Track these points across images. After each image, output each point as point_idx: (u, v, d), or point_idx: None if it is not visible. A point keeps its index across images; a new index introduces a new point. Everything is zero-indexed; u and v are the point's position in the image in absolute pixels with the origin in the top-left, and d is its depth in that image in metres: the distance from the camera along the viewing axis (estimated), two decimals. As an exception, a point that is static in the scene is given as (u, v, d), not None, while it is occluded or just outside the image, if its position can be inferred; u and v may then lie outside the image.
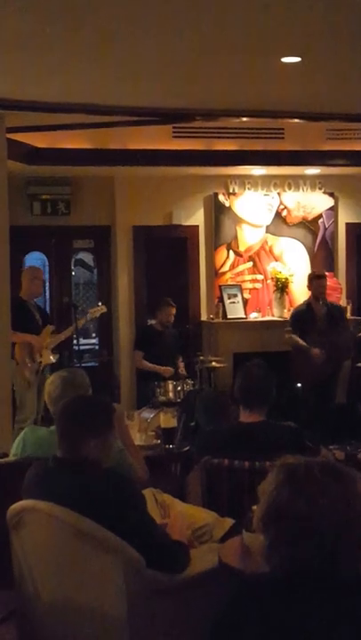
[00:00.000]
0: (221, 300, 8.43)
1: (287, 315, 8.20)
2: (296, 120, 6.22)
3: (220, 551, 3.07)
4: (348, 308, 8.42)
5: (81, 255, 9.23)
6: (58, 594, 2.87)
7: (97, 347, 9.02)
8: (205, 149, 7.73)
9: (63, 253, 8.71)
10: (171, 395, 6.74)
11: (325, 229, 8.83)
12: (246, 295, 8.58)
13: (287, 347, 7.64)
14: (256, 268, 8.67)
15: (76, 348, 7.37)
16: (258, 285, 8.66)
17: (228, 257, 8.60)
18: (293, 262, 8.72)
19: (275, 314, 8.57)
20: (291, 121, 6.35)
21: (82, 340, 8.01)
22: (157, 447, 4.81)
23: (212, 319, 8.42)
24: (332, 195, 8.80)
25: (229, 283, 8.55)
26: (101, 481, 2.89)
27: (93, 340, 9.20)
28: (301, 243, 8.78)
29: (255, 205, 8.63)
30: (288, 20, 4.09)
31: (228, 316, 8.37)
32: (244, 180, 8.56)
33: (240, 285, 8.55)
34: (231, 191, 8.57)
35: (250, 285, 8.63)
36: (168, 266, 8.61)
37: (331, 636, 1.69)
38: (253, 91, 5.48)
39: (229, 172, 8.38)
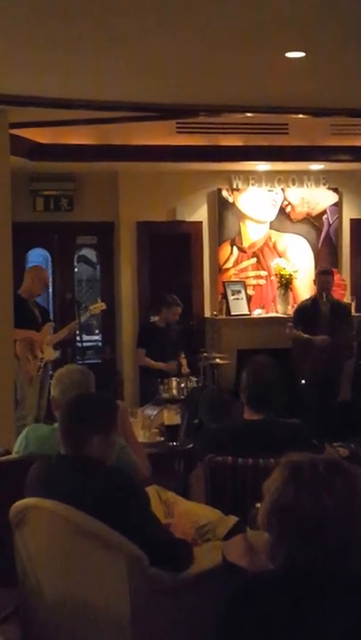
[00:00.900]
0: (225, 296, 8.40)
1: (291, 311, 8.17)
2: (300, 115, 6.19)
3: (223, 549, 3.05)
4: (353, 304, 8.38)
5: (84, 251, 9.20)
6: (61, 592, 2.86)
7: (100, 343, 9.00)
8: (209, 145, 7.69)
9: (66, 250, 8.68)
10: (174, 392, 6.70)
11: (330, 225, 8.79)
12: (250, 291, 8.55)
13: (288, 342, 7.60)
14: (260, 265, 8.64)
15: (79, 344, 7.36)
16: (262, 282, 8.63)
17: (231, 253, 8.57)
18: (297, 258, 8.68)
19: (279, 310, 8.53)
20: (295, 116, 6.31)
21: (85, 337, 8.01)
22: (161, 444, 4.81)
23: (216, 316, 8.40)
24: (336, 190, 8.76)
25: (233, 279, 8.53)
26: (105, 479, 2.88)
27: (97, 337, 9.17)
28: (305, 239, 8.74)
29: (259, 201, 8.60)
30: (292, 15, 4.06)
31: (232, 313, 8.34)
32: (248, 176, 8.53)
33: (244, 282, 8.52)
34: (235, 187, 8.53)
35: (254, 282, 8.60)
36: (171, 262, 8.57)
37: (333, 634, 1.68)
38: (257, 86, 5.46)
39: (233, 167, 8.35)
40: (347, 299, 8.51)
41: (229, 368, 7.71)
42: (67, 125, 6.35)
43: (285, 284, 8.52)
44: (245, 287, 8.50)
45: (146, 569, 2.79)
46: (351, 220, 8.86)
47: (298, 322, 7.52)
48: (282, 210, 8.66)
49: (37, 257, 8.75)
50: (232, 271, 8.57)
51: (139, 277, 8.50)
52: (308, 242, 8.74)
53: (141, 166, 7.98)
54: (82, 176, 8.29)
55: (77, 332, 7.03)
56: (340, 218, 8.82)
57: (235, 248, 8.57)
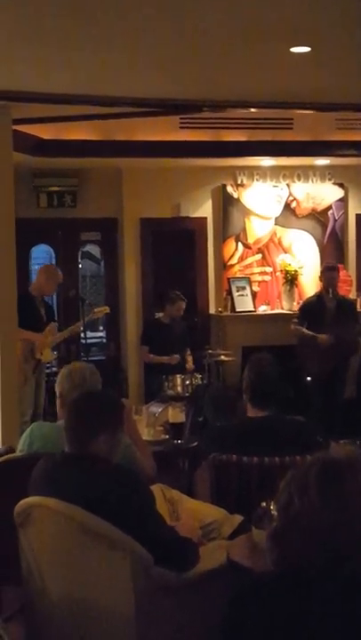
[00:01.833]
0: (230, 292, 8.35)
1: (297, 308, 8.13)
2: (305, 111, 6.13)
3: (228, 549, 3.06)
4: (359, 300, 8.32)
5: (88, 247, 9.17)
6: (65, 591, 2.85)
7: (104, 340, 8.97)
8: (213, 140, 7.64)
9: (70, 246, 8.64)
10: (179, 389, 6.68)
11: (335, 221, 8.73)
12: (255, 288, 8.50)
13: (293, 339, 7.56)
14: (265, 261, 8.59)
15: (83, 341, 7.33)
16: (267, 278, 8.58)
17: (236, 249, 8.52)
18: (303, 254, 8.63)
19: (284, 307, 8.49)
20: (300, 111, 6.26)
21: (89, 334, 7.97)
22: (165, 442, 4.79)
23: (221, 312, 8.35)
24: (341, 185, 8.71)
25: (238, 275, 8.48)
26: (109, 477, 2.88)
27: (101, 334, 9.15)
28: (311, 234, 8.69)
29: (264, 197, 8.55)
30: (297, 10, 4.02)
31: (237, 309, 8.30)
32: (253, 172, 8.48)
33: (249, 278, 8.47)
34: (240, 182, 8.48)
35: (259, 278, 8.56)
36: (176, 258, 8.54)
37: (334, 634, 1.65)
38: (262, 81, 5.42)
39: (238, 163, 8.30)
40: (352, 294, 8.45)
41: (234, 365, 7.67)
42: (70, 121, 6.30)
43: (291, 280, 8.48)
44: (250, 283, 8.45)
45: (150, 568, 2.79)
46: (357, 215, 8.80)
47: (303, 318, 7.49)
48: (287, 205, 8.61)
49: (41, 253, 8.73)
50: (237, 267, 8.52)
51: (143, 274, 8.46)
52: (314, 237, 8.69)
53: (145, 162, 7.93)
54: (85, 172, 8.25)
55: (82, 328, 7.00)
56: (345, 213, 8.76)
57: (240, 244, 8.52)
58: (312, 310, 7.48)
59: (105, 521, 2.73)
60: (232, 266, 8.51)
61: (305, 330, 7.37)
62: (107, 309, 7.28)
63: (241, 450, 3.68)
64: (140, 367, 8.22)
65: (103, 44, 4.56)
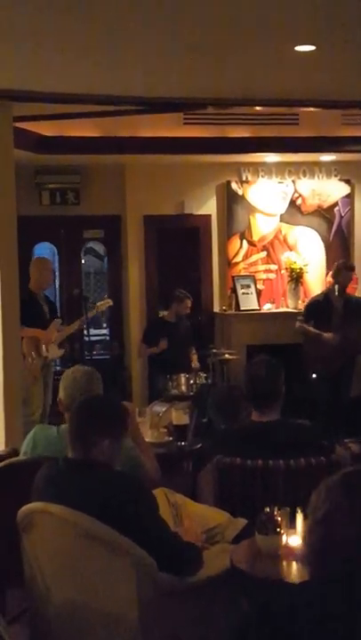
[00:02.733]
0: (234, 290, 8.28)
1: (302, 306, 8.04)
2: (311, 108, 6.08)
3: (232, 554, 3.07)
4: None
5: (92, 244, 9.10)
6: (69, 596, 2.87)
7: (108, 337, 8.92)
8: (217, 136, 7.57)
9: (73, 244, 8.59)
10: (183, 388, 6.65)
11: (341, 218, 8.65)
12: (260, 286, 8.43)
13: (299, 337, 7.49)
14: (270, 258, 8.52)
15: (86, 338, 7.30)
16: (272, 276, 8.51)
17: (241, 247, 8.45)
18: (308, 252, 8.55)
19: (289, 305, 8.41)
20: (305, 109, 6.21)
21: (92, 331, 7.95)
22: (169, 444, 4.75)
23: (225, 310, 8.29)
24: (348, 182, 8.62)
25: (242, 273, 8.41)
26: (112, 483, 2.89)
27: (104, 331, 9.09)
28: (316, 232, 8.61)
29: (269, 193, 8.47)
30: (302, 8, 3.99)
31: (242, 308, 8.23)
32: (258, 168, 8.40)
33: (253, 276, 8.40)
34: (244, 179, 8.41)
35: (263, 276, 8.48)
36: (180, 256, 8.48)
37: None
38: (267, 79, 5.39)
39: (242, 159, 8.22)
40: (358, 293, 8.36)
41: (239, 364, 7.60)
42: (72, 119, 6.25)
43: (296, 278, 8.40)
44: (255, 281, 8.38)
45: (154, 574, 2.79)
46: (364, 212, 8.72)
47: (309, 317, 7.41)
48: (292, 202, 8.53)
49: (44, 251, 8.67)
50: (241, 265, 8.45)
51: (147, 272, 8.40)
52: (320, 235, 8.61)
53: (148, 159, 7.87)
54: (88, 169, 8.19)
55: (85, 326, 6.95)
56: (352, 210, 8.67)
57: (244, 241, 8.44)
58: (319, 309, 7.40)
59: (108, 527, 2.73)
60: (237, 264, 8.44)
61: (310, 328, 7.29)
62: (110, 302, 7.24)
63: (245, 453, 3.67)
64: (144, 366, 8.17)
65: (105, 43, 4.53)
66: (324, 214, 8.61)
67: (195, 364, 7.52)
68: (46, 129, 7.02)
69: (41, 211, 8.17)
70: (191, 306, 7.79)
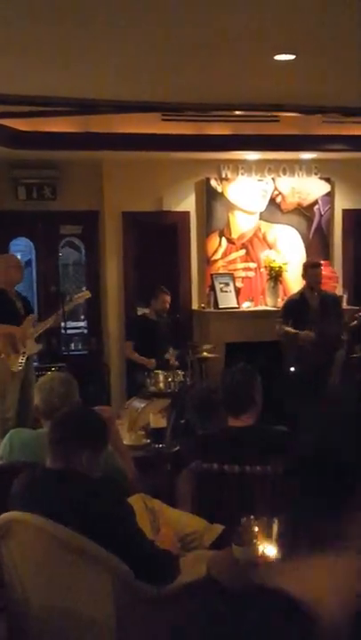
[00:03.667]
0: (213, 288, 8.22)
1: (281, 304, 8.01)
2: (290, 113, 6.09)
3: (208, 563, 3.03)
4: (345, 297, 8.21)
5: (69, 238, 8.99)
6: (47, 603, 2.88)
7: (85, 330, 8.83)
8: (197, 134, 7.50)
9: (50, 239, 8.49)
10: (161, 385, 6.61)
11: (321, 216, 8.62)
12: (239, 284, 8.37)
13: (278, 337, 7.47)
14: (249, 256, 8.47)
15: (63, 331, 7.23)
16: (251, 274, 8.46)
17: (220, 244, 8.39)
18: (288, 250, 8.51)
19: (268, 303, 8.37)
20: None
21: (70, 323, 7.85)
22: (147, 447, 4.73)
23: (204, 308, 8.24)
24: (328, 180, 8.59)
25: (221, 271, 8.35)
26: (90, 494, 2.90)
27: (82, 324, 8.98)
28: (296, 230, 8.57)
29: (249, 191, 8.41)
30: (282, 19, 4.03)
31: (220, 306, 8.17)
32: (238, 165, 8.33)
33: (232, 274, 8.34)
34: (224, 176, 8.34)
35: (242, 274, 8.43)
36: (158, 253, 8.40)
37: None
38: (247, 86, 5.47)
39: (222, 156, 8.16)
40: (338, 291, 8.34)
41: (218, 362, 7.56)
42: (48, 116, 6.17)
43: (275, 276, 8.36)
44: (234, 279, 8.32)
45: (131, 582, 2.80)
46: (343, 210, 8.69)
47: (287, 316, 7.38)
48: (272, 200, 8.48)
49: (20, 246, 8.57)
50: (220, 263, 8.39)
51: (125, 268, 8.32)
52: (299, 233, 8.57)
53: (127, 155, 7.79)
54: (65, 164, 8.08)
55: (62, 323, 6.87)
56: (331, 208, 8.64)
57: (223, 239, 8.38)
58: (296, 308, 7.38)
59: (85, 537, 2.74)
60: (215, 261, 8.38)
61: (288, 328, 7.27)
62: (88, 294, 7.14)
63: (222, 459, 3.64)
64: (123, 362, 8.12)
65: (84, 48, 4.54)
66: (304, 212, 8.57)
67: (172, 361, 7.46)
68: (22, 124, 6.91)
69: (17, 206, 8.06)
70: (170, 301, 7.72)
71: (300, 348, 7.23)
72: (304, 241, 8.57)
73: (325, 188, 8.59)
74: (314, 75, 5.18)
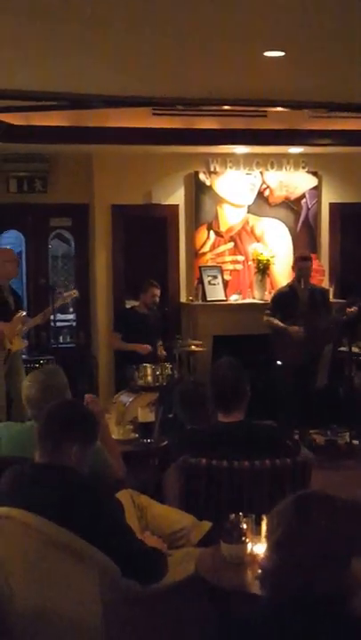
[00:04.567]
0: (201, 281, 8.27)
1: (268, 297, 8.07)
2: (279, 108, 6.12)
3: (197, 562, 3.04)
4: (331, 290, 8.28)
5: (59, 230, 9.02)
6: (33, 601, 2.82)
7: (74, 323, 8.87)
8: (186, 127, 7.53)
9: (40, 232, 8.52)
10: (149, 378, 6.65)
11: (308, 210, 8.67)
12: (227, 277, 8.42)
13: (265, 328, 7.53)
14: (237, 249, 8.52)
15: (52, 324, 7.26)
16: (238, 267, 8.51)
17: (208, 237, 8.44)
18: (275, 243, 8.57)
19: (256, 296, 8.43)
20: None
21: (59, 316, 7.90)
22: (135, 441, 4.73)
23: (192, 301, 8.29)
24: (315, 174, 8.64)
25: (209, 264, 8.40)
26: (78, 490, 2.86)
27: (71, 316, 9.02)
28: (284, 223, 8.62)
29: (237, 184, 8.45)
30: (272, 15, 4.03)
31: (208, 298, 8.22)
32: (226, 159, 8.37)
33: (220, 267, 8.39)
34: (212, 170, 8.38)
35: (230, 267, 8.48)
36: (147, 246, 8.43)
37: None
38: (236, 82, 5.47)
39: (211, 150, 8.19)
40: (325, 284, 8.41)
41: (205, 355, 7.62)
42: (39, 111, 6.19)
43: (263, 269, 8.41)
44: (222, 272, 8.37)
45: (118, 580, 2.77)
46: (330, 204, 8.74)
47: (275, 309, 7.42)
48: (260, 193, 8.52)
49: (11, 239, 8.59)
50: (209, 256, 8.44)
51: (114, 261, 8.36)
52: (287, 226, 8.62)
53: (116, 148, 7.82)
54: (56, 157, 8.12)
55: (52, 317, 6.90)
56: (319, 202, 8.70)
57: (211, 232, 8.43)
58: (284, 301, 7.42)
59: (73, 533, 2.72)
60: (204, 254, 8.43)
61: (277, 322, 7.32)
62: (75, 293, 7.18)
63: (211, 454, 3.66)
64: (111, 355, 8.15)
65: (73, 42, 4.52)
66: (292, 206, 8.63)
67: (161, 353, 7.52)
68: (13, 118, 6.91)
69: (8, 198, 8.09)
70: (159, 294, 7.76)
71: (289, 343, 7.28)
72: (292, 234, 8.62)
73: (313, 181, 8.64)
74: (302, 71, 5.20)
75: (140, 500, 3.61)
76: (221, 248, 8.47)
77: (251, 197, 8.50)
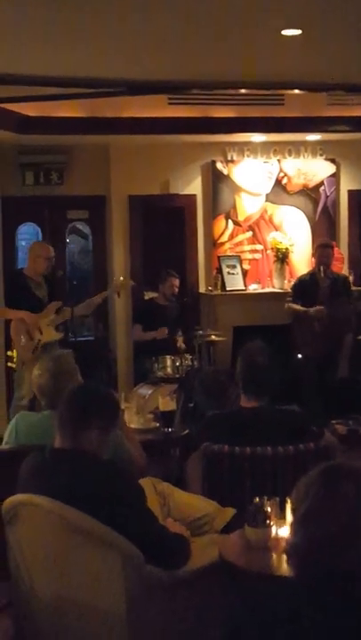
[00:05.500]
0: (220, 271, 8.23)
1: (288, 286, 8.03)
2: (296, 91, 6.05)
3: (220, 547, 3.04)
4: (351, 278, 8.21)
5: (75, 223, 9.00)
6: (55, 590, 2.82)
7: (92, 316, 8.83)
8: (202, 117, 7.49)
9: (57, 224, 8.49)
10: (169, 370, 6.61)
11: (327, 197, 8.60)
12: (246, 266, 8.37)
13: (287, 318, 7.48)
14: (255, 238, 8.46)
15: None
16: (257, 256, 8.46)
17: (226, 227, 8.38)
18: (294, 232, 8.50)
19: (275, 285, 8.37)
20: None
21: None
22: (156, 430, 4.69)
23: (211, 291, 8.25)
24: (333, 161, 8.57)
25: (228, 253, 8.35)
26: (100, 475, 2.84)
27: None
28: (302, 211, 8.55)
29: (254, 173, 8.39)
30: None
31: (227, 288, 8.18)
32: (243, 147, 8.31)
33: (239, 256, 8.34)
34: (230, 159, 8.33)
35: (249, 256, 8.43)
36: (165, 236, 8.41)
37: None
38: (253, 63, 5.40)
39: (228, 139, 8.14)
40: (345, 272, 8.34)
41: (225, 345, 7.58)
42: (56, 100, 6.16)
43: (282, 258, 8.35)
44: (241, 262, 8.32)
45: (141, 567, 2.75)
46: (349, 191, 8.66)
47: (296, 297, 7.40)
48: (278, 182, 8.46)
49: (28, 232, 8.58)
50: (227, 245, 8.39)
51: (131, 253, 8.33)
52: (305, 214, 8.56)
53: (133, 139, 7.78)
54: (72, 148, 8.08)
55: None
56: (337, 189, 8.62)
57: (230, 221, 8.38)
58: (305, 289, 7.39)
59: (95, 519, 2.69)
60: (222, 244, 8.38)
61: (299, 307, 7.28)
62: (131, 282, 7.20)
63: (233, 440, 3.64)
64: (130, 348, 8.13)
65: (91, 26, 4.50)
66: (310, 194, 8.56)
67: (180, 345, 7.48)
68: (30, 109, 6.91)
69: (24, 191, 8.05)
70: (178, 285, 7.74)
71: (310, 331, 7.23)
72: (310, 222, 8.55)
73: (331, 169, 8.57)
74: (319, 50, 5.13)
75: (162, 487, 3.58)
76: (240, 237, 8.42)
77: (269, 186, 8.44)
